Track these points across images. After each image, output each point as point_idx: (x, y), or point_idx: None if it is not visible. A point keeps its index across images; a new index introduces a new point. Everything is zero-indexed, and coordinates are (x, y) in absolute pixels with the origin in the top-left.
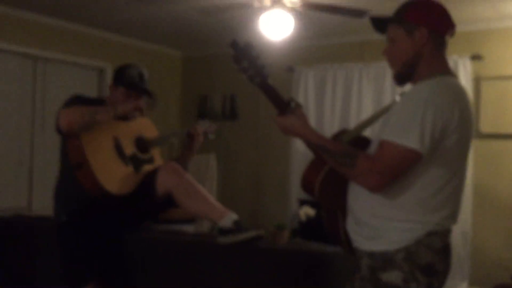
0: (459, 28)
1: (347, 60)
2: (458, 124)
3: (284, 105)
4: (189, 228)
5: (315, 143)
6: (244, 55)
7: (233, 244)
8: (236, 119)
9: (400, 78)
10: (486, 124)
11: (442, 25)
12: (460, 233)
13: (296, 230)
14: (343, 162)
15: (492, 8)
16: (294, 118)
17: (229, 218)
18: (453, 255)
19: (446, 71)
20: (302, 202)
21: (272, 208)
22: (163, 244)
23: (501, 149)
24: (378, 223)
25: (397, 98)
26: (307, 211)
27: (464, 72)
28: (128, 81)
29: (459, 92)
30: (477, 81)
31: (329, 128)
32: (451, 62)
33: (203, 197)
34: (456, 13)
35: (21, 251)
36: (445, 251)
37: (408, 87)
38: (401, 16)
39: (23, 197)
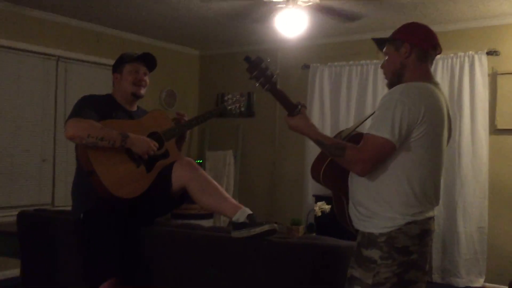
0: (475, 24)
1: (362, 58)
2: (424, 118)
3: (293, 107)
4: (207, 223)
5: (314, 138)
6: (255, 66)
7: (247, 238)
8: (253, 117)
9: (391, 86)
10: (501, 119)
11: (424, 41)
12: (477, 228)
13: (312, 225)
14: (336, 153)
15: (507, 3)
16: (299, 118)
17: (242, 212)
18: (470, 251)
19: (427, 79)
20: (318, 198)
21: (289, 203)
22: (179, 237)
23: None
24: (368, 212)
25: None
26: (322, 206)
27: (480, 68)
28: (128, 57)
29: (426, 92)
30: (494, 76)
31: (345, 124)
32: (467, 58)
33: (217, 192)
34: (471, 10)
35: (42, 244)
36: (421, 235)
37: None
38: (393, 36)
39: (47, 193)
